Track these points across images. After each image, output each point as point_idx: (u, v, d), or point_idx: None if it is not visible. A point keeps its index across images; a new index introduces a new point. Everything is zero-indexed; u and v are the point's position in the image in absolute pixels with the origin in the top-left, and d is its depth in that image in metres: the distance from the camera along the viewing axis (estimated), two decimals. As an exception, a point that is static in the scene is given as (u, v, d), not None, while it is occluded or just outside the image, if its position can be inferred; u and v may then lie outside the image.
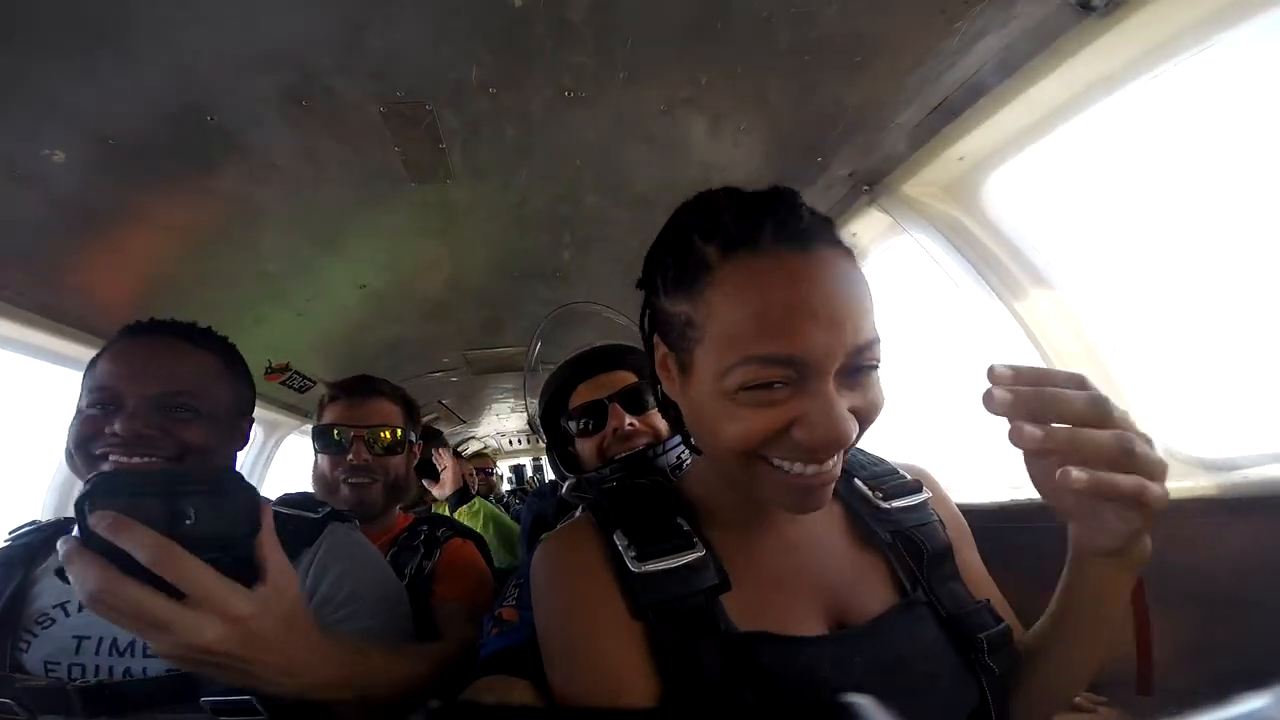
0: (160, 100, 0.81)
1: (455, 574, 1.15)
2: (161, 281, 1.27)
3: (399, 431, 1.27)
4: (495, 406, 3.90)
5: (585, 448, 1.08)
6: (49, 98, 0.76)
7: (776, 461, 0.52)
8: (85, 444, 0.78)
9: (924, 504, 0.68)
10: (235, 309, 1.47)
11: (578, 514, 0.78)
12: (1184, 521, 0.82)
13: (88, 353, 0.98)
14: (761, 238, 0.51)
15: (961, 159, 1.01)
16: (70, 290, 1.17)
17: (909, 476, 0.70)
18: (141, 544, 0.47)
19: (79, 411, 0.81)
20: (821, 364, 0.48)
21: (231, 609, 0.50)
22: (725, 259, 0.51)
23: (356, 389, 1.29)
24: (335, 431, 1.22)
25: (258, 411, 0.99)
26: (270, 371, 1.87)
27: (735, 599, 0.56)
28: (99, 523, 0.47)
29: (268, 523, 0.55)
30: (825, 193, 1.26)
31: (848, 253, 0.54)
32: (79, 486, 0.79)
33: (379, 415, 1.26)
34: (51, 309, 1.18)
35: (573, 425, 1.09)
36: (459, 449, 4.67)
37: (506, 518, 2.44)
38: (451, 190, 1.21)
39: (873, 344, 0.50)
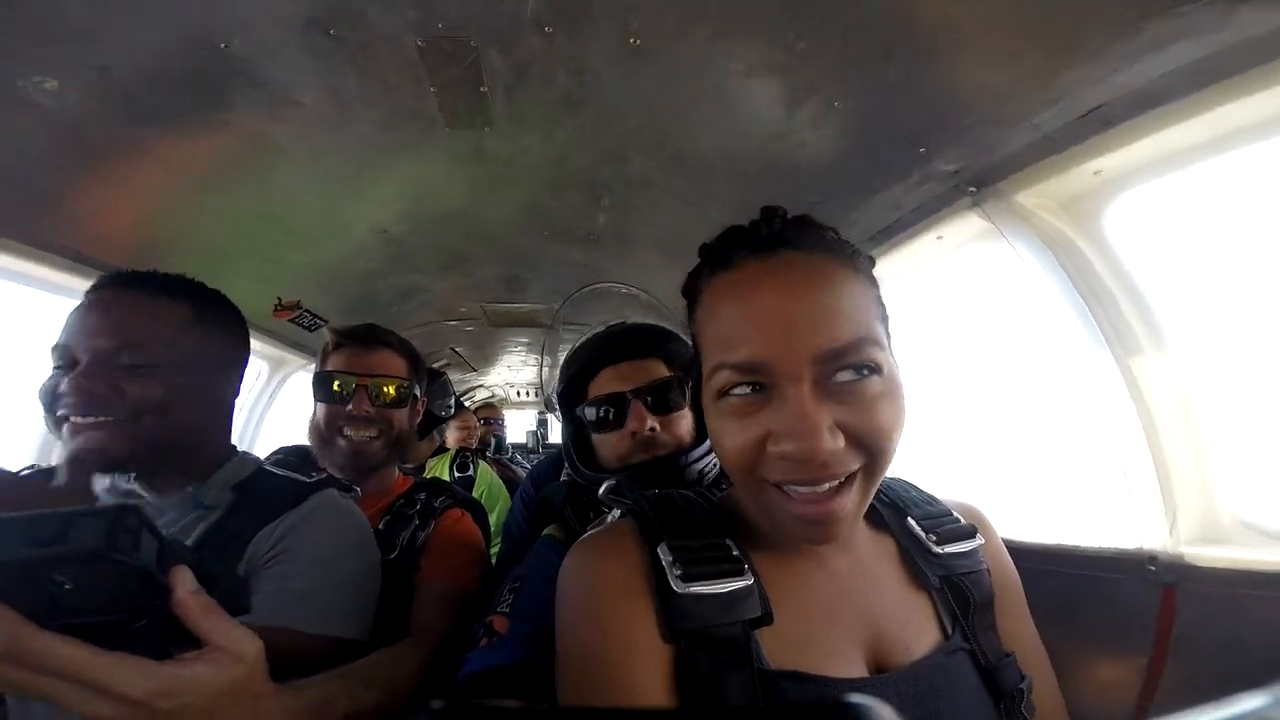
0: (168, 25, 0.74)
1: (445, 550, 1.14)
2: (167, 216, 1.24)
3: (404, 385, 1.25)
4: (508, 358, 3.91)
5: (602, 443, 1.01)
6: (41, 20, 0.70)
7: (784, 487, 0.52)
8: (50, 404, 0.77)
9: (975, 551, 0.68)
10: (245, 246, 1.45)
11: (611, 517, 0.76)
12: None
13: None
14: (734, 255, 0.57)
15: (1097, 173, 0.89)
16: (69, 224, 1.15)
17: (963, 520, 0.70)
18: None
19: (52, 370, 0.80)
20: (786, 369, 0.50)
21: (123, 689, 0.42)
22: (711, 279, 0.58)
23: (362, 337, 1.26)
24: (337, 380, 1.20)
25: (262, 348, 0.95)
26: (280, 308, 1.85)
27: (773, 632, 0.56)
28: None
29: (181, 585, 0.46)
30: (918, 188, 1.14)
31: (830, 254, 0.56)
32: (57, 446, 0.79)
33: (384, 366, 1.24)
34: (53, 243, 1.16)
35: (590, 414, 1.01)
36: (465, 397, 4.74)
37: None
38: (488, 140, 1.14)
39: (852, 348, 0.50)
